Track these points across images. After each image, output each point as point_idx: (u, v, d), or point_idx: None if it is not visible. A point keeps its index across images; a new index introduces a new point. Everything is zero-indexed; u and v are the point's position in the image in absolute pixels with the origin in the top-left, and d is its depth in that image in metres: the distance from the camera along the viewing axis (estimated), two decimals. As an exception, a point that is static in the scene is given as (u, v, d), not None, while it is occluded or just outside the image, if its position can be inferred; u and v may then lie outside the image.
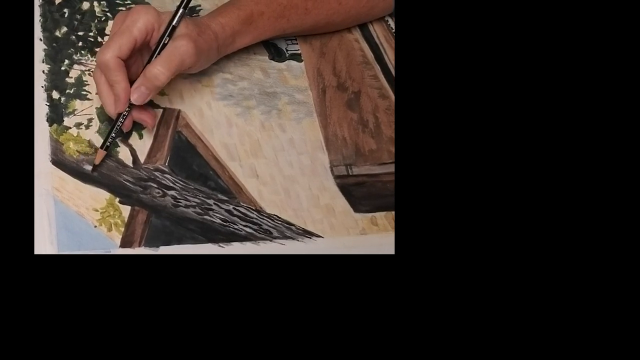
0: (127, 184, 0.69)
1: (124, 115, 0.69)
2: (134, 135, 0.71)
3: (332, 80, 0.80)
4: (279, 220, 0.70)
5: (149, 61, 0.69)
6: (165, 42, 0.68)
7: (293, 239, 0.69)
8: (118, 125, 0.69)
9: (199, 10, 0.81)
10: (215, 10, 0.74)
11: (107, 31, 0.77)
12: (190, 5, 0.80)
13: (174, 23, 0.69)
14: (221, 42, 0.72)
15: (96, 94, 0.71)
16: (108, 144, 0.69)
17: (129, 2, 0.80)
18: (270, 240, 0.68)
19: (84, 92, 0.73)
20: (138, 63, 0.71)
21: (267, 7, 0.74)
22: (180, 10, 0.69)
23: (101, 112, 0.72)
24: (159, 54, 0.68)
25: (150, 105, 0.72)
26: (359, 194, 0.73)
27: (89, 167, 0.69)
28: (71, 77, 0.74)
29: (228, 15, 0.72)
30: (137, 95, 0.68)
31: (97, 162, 0.68)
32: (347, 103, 0.78)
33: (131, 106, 0.69)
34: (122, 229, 0.66)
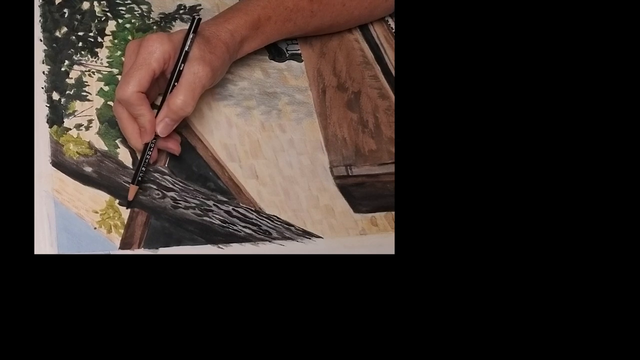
0: (127, 185, 0.69)
1: (150, 146, 0.68)
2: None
3: (332, 81, 0.80)
4: (279, 221, 0.70)
5: (166, 90, 0.68)
6: (181, 68, 0.67)
7: (292, 239, 0.69)
8: (147, 158, 0.68)
9: (200, 9, 0.81)
10: (221, 16, 0.73)
11: (107, 31, 0.77)
12: (191, 4, 0.81)
13: (186, 48, 0.67)
14: (232, 51, 0.71)
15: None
16: (139, 178, 0.68)
17: (129, 1, 0.80)
18: (270, 241, 0.68)
19: (84, 93, 0.73)
20: (154, 90, 0.70)
21: (274, 11, 0.74)
22: (191, 35, 0.67)
23: (101, 113, 0.72)
24: (176, 80, 0.67)
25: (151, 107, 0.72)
26: (358, 195, 0.73)
27: (89, 169, 0.69)
28: (71, 78, 0.74)
29: (235, 21, 0.71)
30: (162, 127, 0.67)
31: (130, 198, 0.68)
32: (347, 103, 0.78)
33: (156, 137, 0.68)
34: (122, 231, 0.66)
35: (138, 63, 0.67)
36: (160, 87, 0.70)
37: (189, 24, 0.68)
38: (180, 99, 0.66)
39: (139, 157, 0.69)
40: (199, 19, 0.68)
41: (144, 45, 0.67)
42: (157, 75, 0.68)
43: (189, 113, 0.67)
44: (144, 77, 0.66)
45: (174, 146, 0.70)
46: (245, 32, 0.72)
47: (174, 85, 0.67)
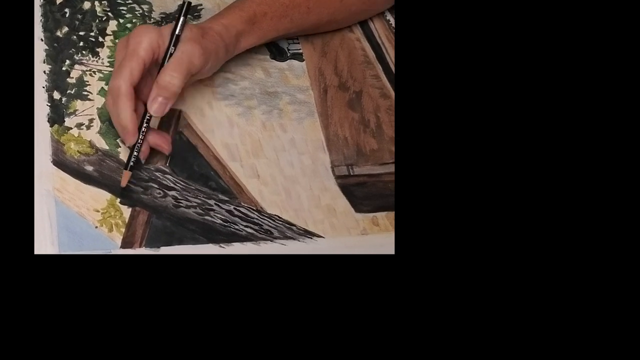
0: (128, 184, 0.69)
1: (142, 131, 0.68)
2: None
3: (333, 80, 0.79)
4: (280, 221, 0.70)
5: (159, 71, 0.68)
6: (172, 51, 0.68)
7: (294, 239, 0.69)
8: (139, 143, 0.67)
9: (201, 9, 0.81)
10: (218, 13, 0.74)
11: (108, 31, 0.77)
12: (192, 4, 0.81)
13: (177, 32, 0.68)
14: (227, 42, 0.71)
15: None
16: (131, 163, 0.68)
17: (130, 1, 0.80)
18: (271, 241, 0.68)
19: (85, 93, 0.73)
20: (150, 84, 0.69)
21: (270, 7, 0.74)
22: (182, 19, 0.68)
23: (102, 113, 0.72)
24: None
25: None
26: (360, 194, 0.73)
27: (90, 168, 0.69)
28: (72, 78, 0.74)
29: (230, 16, 0.72)
30: (156, 106, 0.67)
31: (123, 184, 0.68)
32: (349, 103, 0.78)
33: (147, 132, 0.68)
34: (123, 230, 0.66)
35: (128, 55, 0.67)
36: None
37: (179, 8, 0.68)
38: (169, 74, 0.66)
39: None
40: (189, 3, 0.69)
41: (131, 37, 0.68)
42: (148, 65, 0.67)
43: (179, 88, 0.67)
44: (134, 67, 0.66)
45: (164, 144, 0.70)
46: (240, 27, 0.72)
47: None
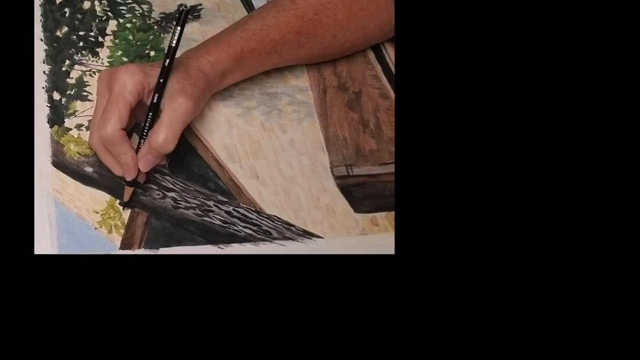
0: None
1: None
2: (134, 136, 0.71)
3: (332, 80, 0.79)
4: (279, 221, 0.70)
5: (145, 124, 0.66)
6: (165, 64, 0.65)
7: (293, 239, 0.69)
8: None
9: (201, 9, 0.81)
10: (203, 46, 0.71)
11: (107, 31, 0.77)
12: (192, 4, 0.81)
13: (173, 44, 0.66)
14: (212, 82, 0.69)
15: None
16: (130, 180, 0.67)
17: (129, 1, 0.80)
18: (270, 241, 0.68)
19: (85, 93, 0.73)
20: (130, 119, 0.68)
21: (258, 43, 0.71)
22: (178, 29, 0.66)
23: (102, 113, 0.72)
24: (153, 115, 0.66)
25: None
26: (359, 195, 0.73)
27: (89, 169, 0.69)
28: (72, 78, 0.74)
29: (217, 53, 0.70)
30: (144, 162, 0.66)
31: (126, 199, 0.67)
32: (348, 103, 0.78)
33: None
34: (122, 231, 0.66)
35: (113, 98, 0.65)
36: (138, 116, 0.69)
37: (178, 17, 0.66)
38: (161, 137, 0.65)
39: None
40: (187, 11, 0.66)
41: (115, 79, 0.65)
42: (134, 106, 0.66)
43: (170, 150, 0.66)
44: (122, 112, 0.64)
45: (141, 178, 0.69)
46: (226, 65, 0.70)
47: (157, 106, 0.66)
